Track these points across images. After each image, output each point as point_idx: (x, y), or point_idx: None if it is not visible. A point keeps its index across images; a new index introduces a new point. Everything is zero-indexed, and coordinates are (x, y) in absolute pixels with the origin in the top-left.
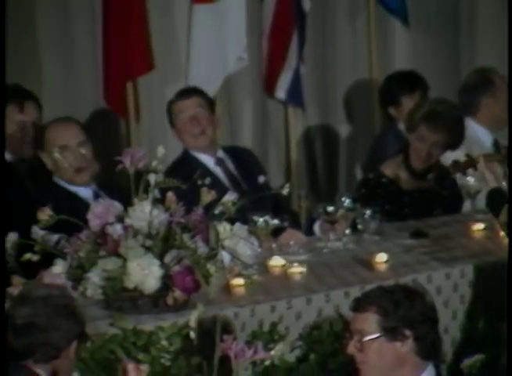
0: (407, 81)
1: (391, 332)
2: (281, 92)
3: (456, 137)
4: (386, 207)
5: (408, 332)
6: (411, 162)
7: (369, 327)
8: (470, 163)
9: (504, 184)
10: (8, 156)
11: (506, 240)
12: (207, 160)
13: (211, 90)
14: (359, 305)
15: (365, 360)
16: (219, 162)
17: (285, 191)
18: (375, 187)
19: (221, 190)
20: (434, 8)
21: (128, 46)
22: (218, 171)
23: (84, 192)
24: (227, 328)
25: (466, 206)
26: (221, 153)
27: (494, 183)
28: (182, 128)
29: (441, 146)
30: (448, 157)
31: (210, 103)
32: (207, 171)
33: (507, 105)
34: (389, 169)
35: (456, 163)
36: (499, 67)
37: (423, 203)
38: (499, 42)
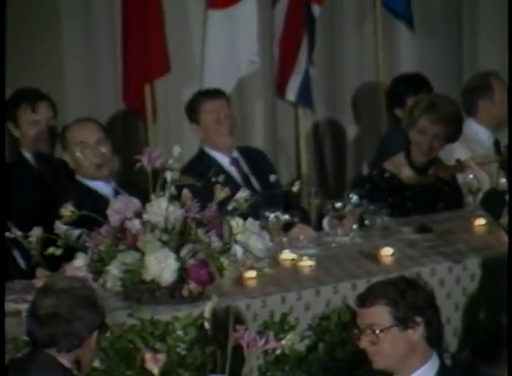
0: (412, 84)
1: (403, 321)
2: (291, 94)
3: (454, 129)
4: (389, 200)
5: (418, 318)
6: (413, 157)
7: (381, 319)
8: (458, 167)
9: (503, 180)
10: (28, 155)
11: (506, 236)
12: (223, 159)
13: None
14: (366, 300)
15: (379, 352)
16: (234, 162)
17: (295, 188)
18: (378, 182)
19: (235, 188)
20: (439, 12)
21: (145, 51)
22: (232, 170)
23: (105, 189)
24: (239, 319)
25: (469, 202)
26: (236, 154)
27: (488, 185)
28: (211, 127)
29: (442, 139)
30: (448, 151)
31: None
32: (221, 170)
33: (507, 106)
34: (392, 165)
35: (443, 168)
36: (501, 70)
37: (425, 197)
38: (500, 46)
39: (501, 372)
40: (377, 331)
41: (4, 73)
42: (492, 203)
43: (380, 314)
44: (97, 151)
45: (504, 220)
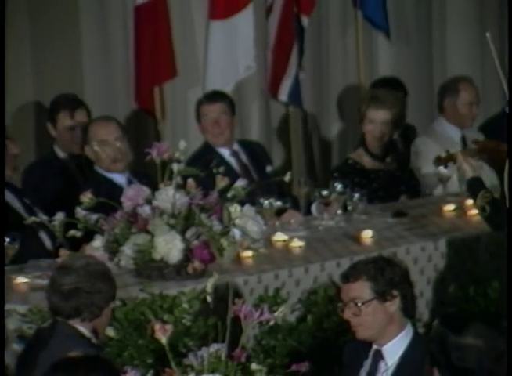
0: (389, 86)
1: (382, 294)
2: (283, 95)
3: (398, 113)
4: (356, 180)
5: (395, 292)
6: (369, 146)
7: (363, 293)
8: (450, 157)
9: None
10: (60, 153)
11: (473, 219)
12: (224, 151)
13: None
14: (349, 277)
15: (361, 323)
16: (234, 154)
17: (287, 178)
18: (343, 168)
19: (235, 178)
20: (412, 23)
21: (155, 57)
22: (232, 161)
23: (119, 179)
24: (238, 293)
25: (439, 190)
26: (236, 146)
27: (471, 173)
28: (205, 127)
29: (389, 124)
30: (424, 145)
31: (232, 107)
32: (223, 161)
33: (470, 109)
34: (355, 155)
35: (438, 158)
36: (467, 73)
37: (388, 181)
38: (466, 52)
39: (470, 341)
40: (359, 304)
41: (4, 74)
42: (473, 187)
43: (361, 289)
44: (114, 147)
45: (479, 201)
